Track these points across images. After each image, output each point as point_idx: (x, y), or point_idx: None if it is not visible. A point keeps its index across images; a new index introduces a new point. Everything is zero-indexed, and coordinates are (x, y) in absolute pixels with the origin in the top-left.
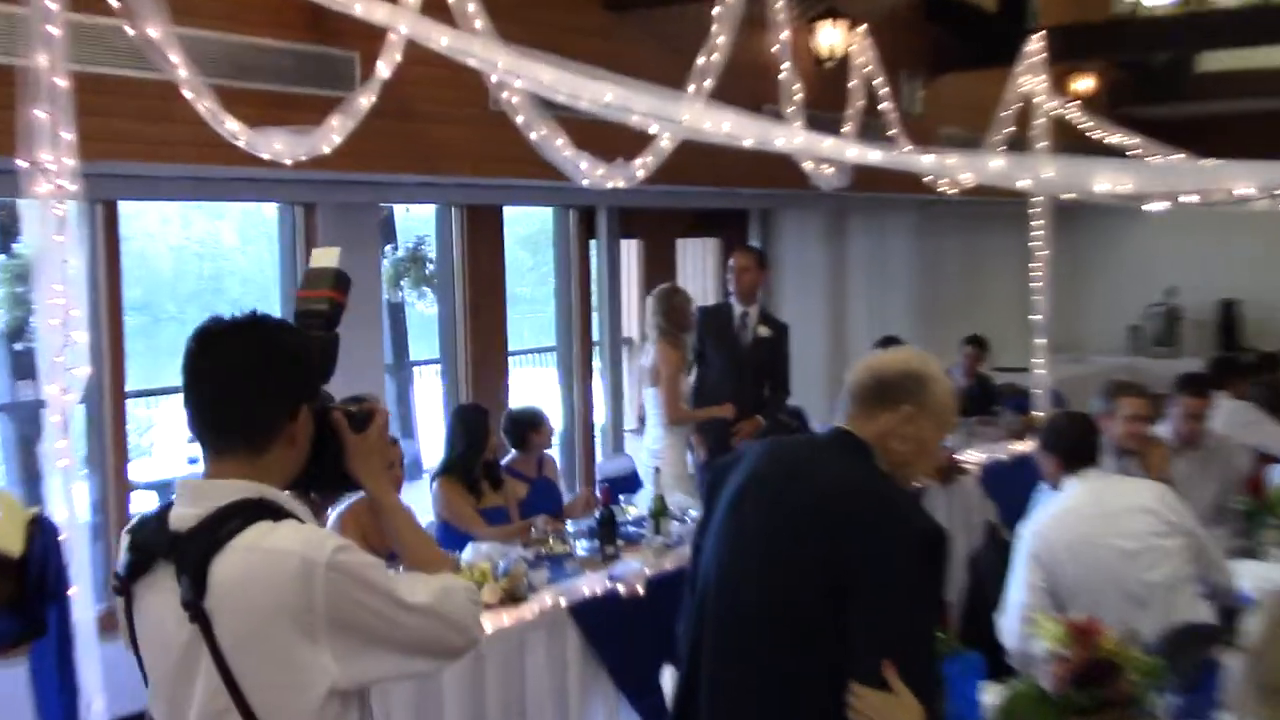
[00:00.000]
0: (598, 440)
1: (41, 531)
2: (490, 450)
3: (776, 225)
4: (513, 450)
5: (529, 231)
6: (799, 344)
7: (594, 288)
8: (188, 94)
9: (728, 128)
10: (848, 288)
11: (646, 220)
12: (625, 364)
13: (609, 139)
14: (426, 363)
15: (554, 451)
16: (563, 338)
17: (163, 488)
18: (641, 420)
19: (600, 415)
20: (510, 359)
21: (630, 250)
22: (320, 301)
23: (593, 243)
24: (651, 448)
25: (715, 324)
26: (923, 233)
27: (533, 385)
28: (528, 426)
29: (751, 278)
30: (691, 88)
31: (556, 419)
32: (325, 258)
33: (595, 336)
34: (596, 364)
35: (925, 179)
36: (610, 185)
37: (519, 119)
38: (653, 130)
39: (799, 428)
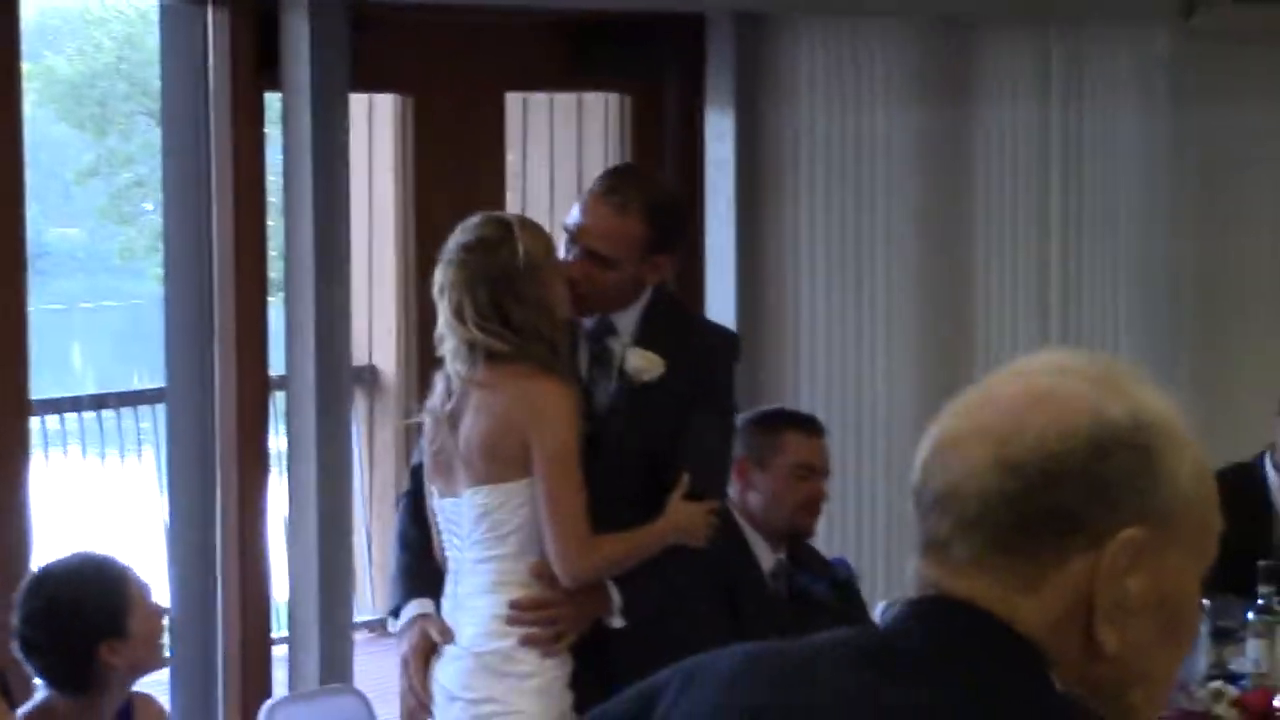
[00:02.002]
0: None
1: None
2: None
3: (776, 62)
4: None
5: (79, 74)
6: (819, 348)
7: (274, 229)
8: None
9: None
10: (965, 222)
11: (428, 41)
12: (360, 436)
13: None
14: None
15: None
16: (181, 369)
17: None
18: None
19: (282, 582)
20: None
21: (383, 123)
22: None
23: (274, 102)
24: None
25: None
26: (1179, 95)
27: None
28: (95, 612)
29: (594, 270)
30: None
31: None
32: None
33: (276, 363)
34: (276, 440)
35: None
36: None
37: None
38: None
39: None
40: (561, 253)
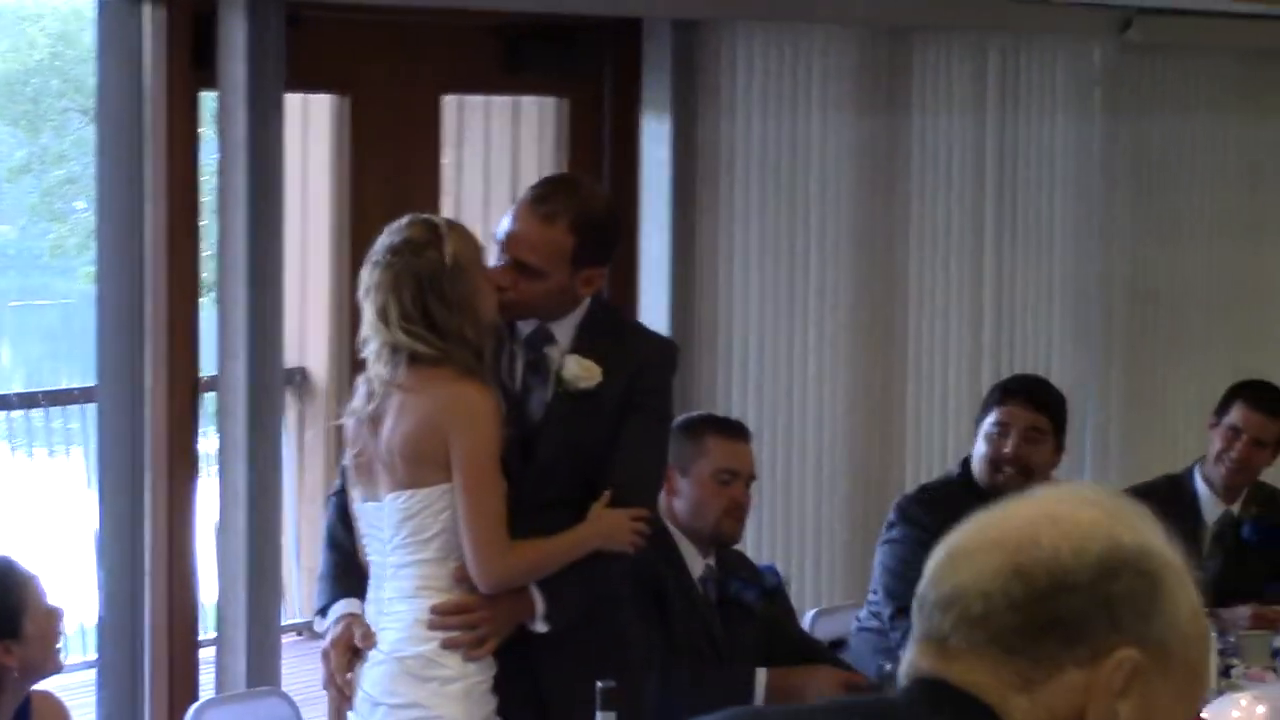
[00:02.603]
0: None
1: None
2: None
3: (714, 67)
4: None
5: (13, 71)
6: (751, 353)
7: (207, 229)
8: None
9: None
10: (899, 231)
11: (364, 42)
12: (290, 439)
13: None
14: None
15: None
16: (111, 368)
17: None
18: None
19: (211, 584)
20: None
21: (319, 123)
22: None
23: (209, 101)
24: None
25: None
26: (1114, 107)
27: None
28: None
29: (521, 279)
30: None
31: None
32: None
33: (206, 363)
34: (206, 444)
35: None
36: None
37: None
38: None
39: None
40: (492, 260)
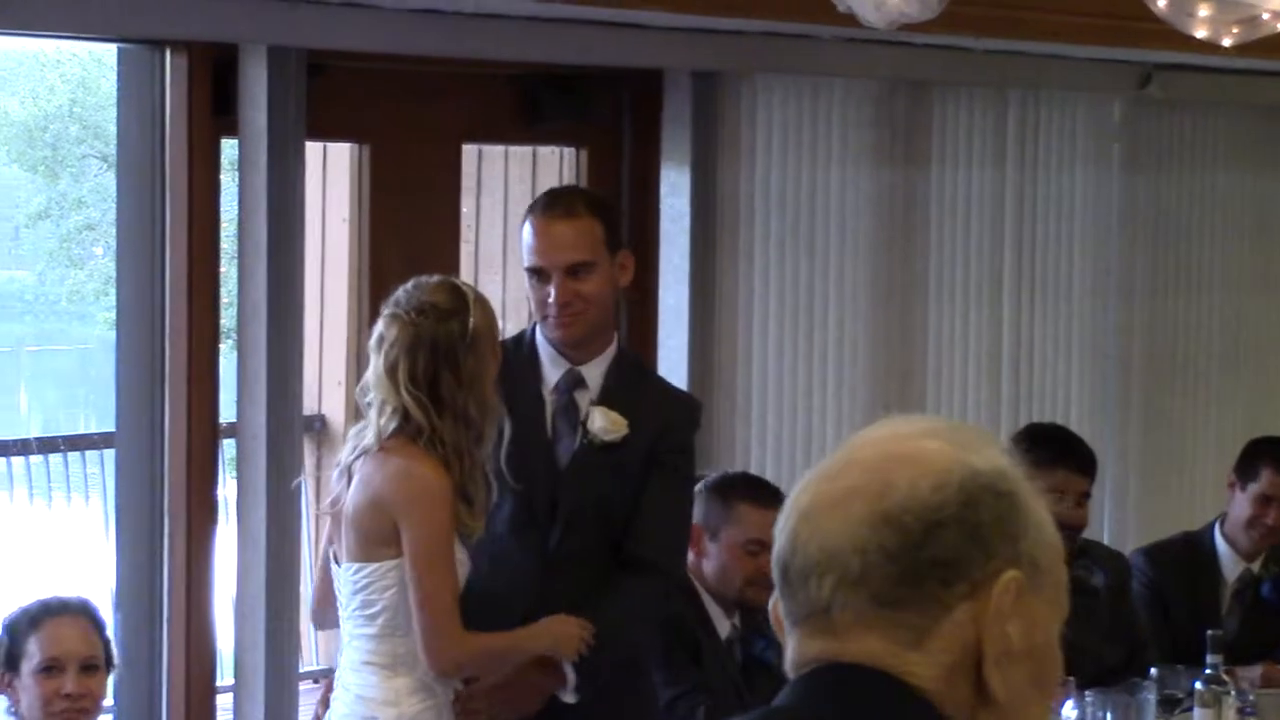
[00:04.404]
0: (220, 709)
1: None
2: None
3: (733, 119)
4: None
5: (33, 117)
6: (770, 405)
7: (226, 275)
8: None
9: None
10: (918, 284)
11: (384, 91)
12: (308, 485)
13: None
14: None
15: None
16: (131, 414)
17: None
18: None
19: (228, 632)
20: None
21: (339, 171)
22: None
23: (229, 149)
24: None
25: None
26: (1133, 162)
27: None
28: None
29: (578, 284)
30: None
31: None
32: None
33: (226, 409)
34: (225, 488)
35: (1158, 6)
36: None
37: None
38: None
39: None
40: (538, 295)
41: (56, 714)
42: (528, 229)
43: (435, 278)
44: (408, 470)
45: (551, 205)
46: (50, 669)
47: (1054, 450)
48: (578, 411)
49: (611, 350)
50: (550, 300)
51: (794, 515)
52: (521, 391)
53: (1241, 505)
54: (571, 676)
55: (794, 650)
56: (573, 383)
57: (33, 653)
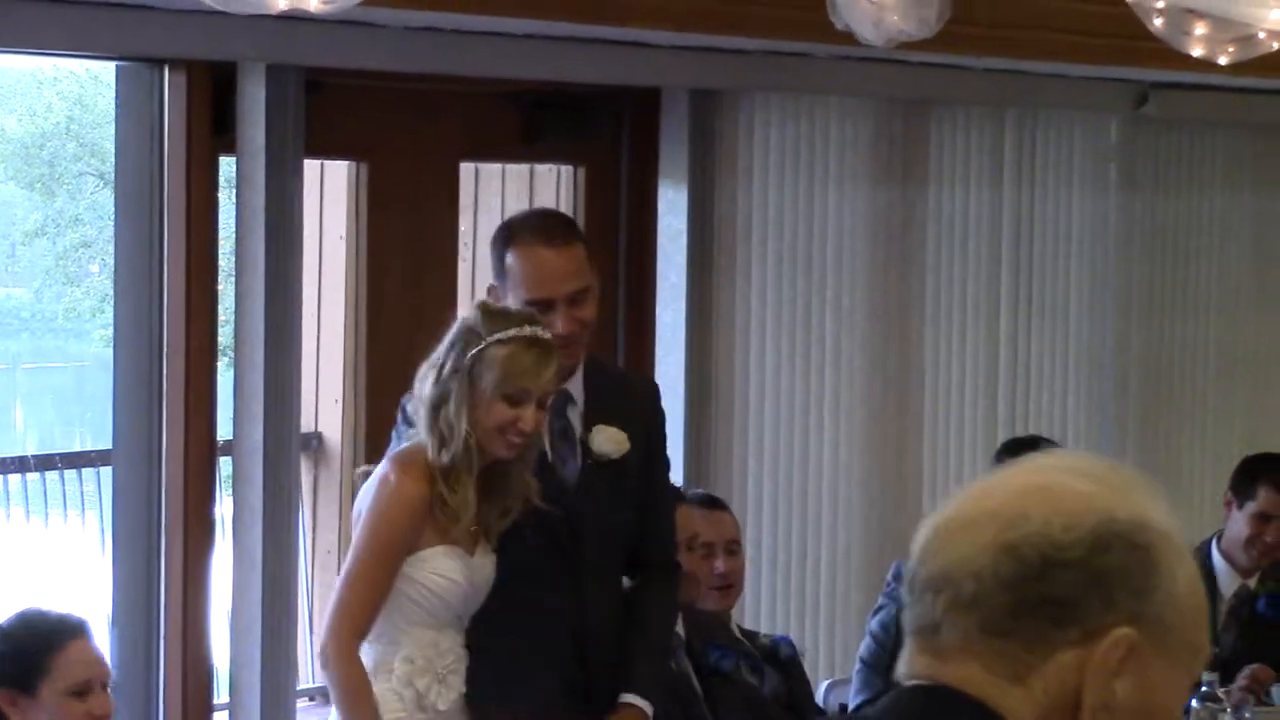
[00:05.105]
0: None
1: None
2: None
3: (730, 137)
4: None
5: (30, 134)
6: (767, 423)
7: (223, 296)
8: None
9: None
10: (915, 302)
11: (382, 108)
12: (307, 511)
13: None
14: None
15: None
16: (127, 431)
17: None
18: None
19: (224, 650)
20: None
21: (337, 189)
22: None
23: (227, 166)
24: None
25: None
26: (1130, 181)
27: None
28: (12, 654)
29: (580, 311)
30: None
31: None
32: None
33: (222, 427)
34: (222, 506)
35: (1154, 25)
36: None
37: None
38: None
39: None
40: (551, 325)
41: None
42: (522, 259)
43: (532, 330)
44: (381, 476)
45: (550, 234)
46: (82, 692)
47: (1010, 451)
48: (573, 431)
49: (581, 358)
50: (556, 330)
51: (932, 527)
52: None
53: (1239, 524)
54: (649, 709)
55: (904, 659)
56: (564, 402)
57: (58, 673)
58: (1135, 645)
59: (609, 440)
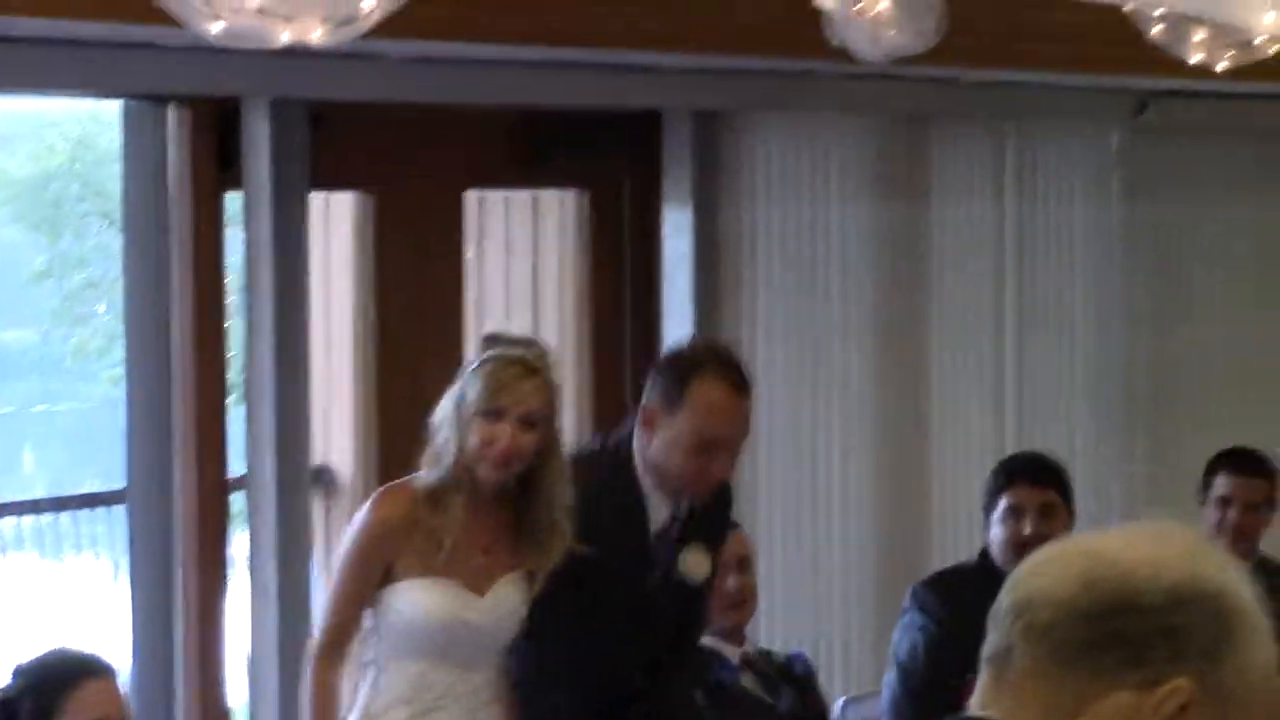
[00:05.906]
0: None
1: None
2: None
3: (734, 158)
4: None
5: (34, 176)
6: (775, 442)
7: (232, 328)
8: None
9: None
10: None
11: (386, 139)
12: (319, 544)
13: None
14: None
15: None
16: (140, 470)
17: None
18: None
19: (240, 686)
20: None
21: (342, 221)
22: None
23: (233, 201)
24: None
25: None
26: (1131, 191)
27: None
28: (27, 692)
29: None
30: None
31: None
32: None
33: (234, 463)
34: (238, 544)
35: (1152, 33)
36: (282, 38)
37: None
38: None
39: None
40: (691, 465)
41: None
42: (706, 396)
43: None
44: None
45: (738, 377)
46: None
47: (1007, 471)
48: (668, 538)
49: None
50: (709, 472)
51: (1029, 560)
52: (631, 524)
53: (1209, 516)
54: None
55: (976, 689)
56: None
57: (71, 712)
58: (1192, 700)
59: (693, 564)
